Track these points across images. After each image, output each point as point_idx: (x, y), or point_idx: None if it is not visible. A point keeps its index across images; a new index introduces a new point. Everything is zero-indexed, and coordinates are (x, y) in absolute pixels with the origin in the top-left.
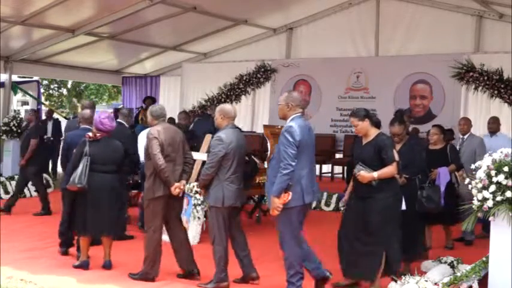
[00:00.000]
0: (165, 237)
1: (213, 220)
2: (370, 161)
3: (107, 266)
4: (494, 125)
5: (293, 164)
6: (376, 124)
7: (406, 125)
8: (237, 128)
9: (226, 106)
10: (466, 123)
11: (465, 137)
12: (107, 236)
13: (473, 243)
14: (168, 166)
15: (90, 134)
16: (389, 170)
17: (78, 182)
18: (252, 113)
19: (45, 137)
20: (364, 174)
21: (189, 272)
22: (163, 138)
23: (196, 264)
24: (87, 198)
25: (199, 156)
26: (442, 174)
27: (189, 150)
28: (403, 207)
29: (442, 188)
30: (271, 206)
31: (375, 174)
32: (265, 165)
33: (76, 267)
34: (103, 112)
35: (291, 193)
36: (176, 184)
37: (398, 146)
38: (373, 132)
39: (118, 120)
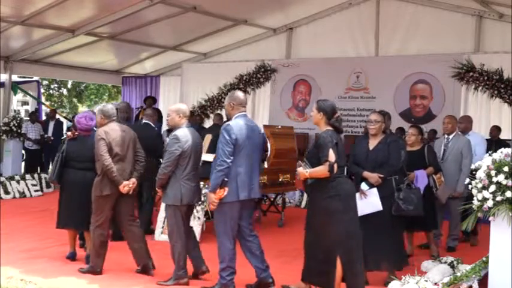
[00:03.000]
0: (165, 237)
1: (172, 219)
2: (310, 158)
3: (71, 257)
4: (462, 125)
5: (228, 161)
6: (334, 126)
7: (385, 121)
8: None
9: (183, 105)
10: (451, 122)
11: (450, 136)
12: (75, 229)
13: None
14: (118, 165)
15: (69, 133)
16: (320, 169)
17: (49, 178)
18: (252, 113)
19: (45, 136)
20: (300, 170)
21: (144, 266)
22: (111, 138)
23: (152, 258)
24: (63, 193)
25: (204, 157)
26: (420, 177)
27: (140, 149)
28: (379, 207)
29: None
30: (207, 200)
31: (307, 172)
32: (265, 165)
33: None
34: (83, 112)
35: (227, 189)
36: (125, 182)
37: (374, 143)
38: (322, 128)
39: (144, 121)
